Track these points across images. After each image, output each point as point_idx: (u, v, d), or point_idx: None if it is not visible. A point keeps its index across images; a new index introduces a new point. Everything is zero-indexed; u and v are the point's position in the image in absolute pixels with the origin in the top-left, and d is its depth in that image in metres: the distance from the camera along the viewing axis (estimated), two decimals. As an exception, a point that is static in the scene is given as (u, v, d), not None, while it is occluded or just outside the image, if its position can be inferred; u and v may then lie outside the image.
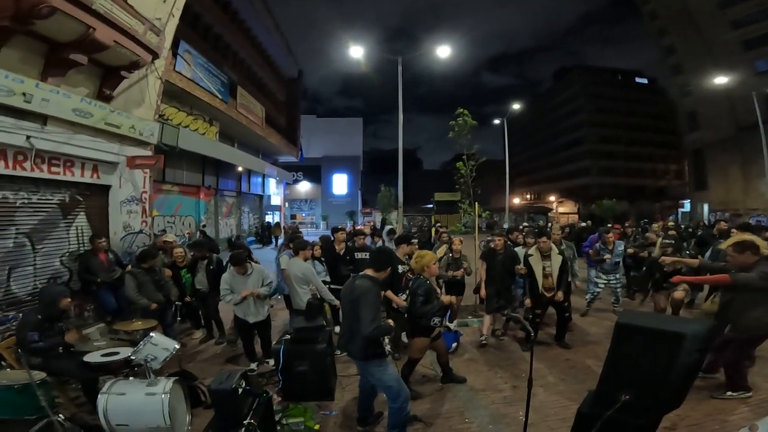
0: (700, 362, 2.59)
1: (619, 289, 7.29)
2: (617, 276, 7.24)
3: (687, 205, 44.48)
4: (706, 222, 24.04)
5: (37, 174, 5.75)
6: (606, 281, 7.20)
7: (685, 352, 2.35)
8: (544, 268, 5.63)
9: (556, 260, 5.61)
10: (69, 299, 4.26)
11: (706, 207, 38.58)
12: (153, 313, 5.12)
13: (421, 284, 4.18)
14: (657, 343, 2.42)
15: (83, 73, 6.37)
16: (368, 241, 8.79)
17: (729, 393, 4.01)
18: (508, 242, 6.83)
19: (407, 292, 5.24)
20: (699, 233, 10.22)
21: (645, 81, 60.60)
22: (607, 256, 7.07)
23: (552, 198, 58.96)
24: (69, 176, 6.28)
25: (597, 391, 2.71)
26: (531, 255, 5.76)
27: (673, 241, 5.99)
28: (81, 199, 6.64)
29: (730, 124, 34.95)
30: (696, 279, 4.66)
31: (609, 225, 15.72)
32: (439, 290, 4.62)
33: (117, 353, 3.91)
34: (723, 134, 35.83)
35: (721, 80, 25.35)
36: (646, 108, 55.65)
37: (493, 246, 6.20)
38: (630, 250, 7.83)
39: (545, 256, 5.66)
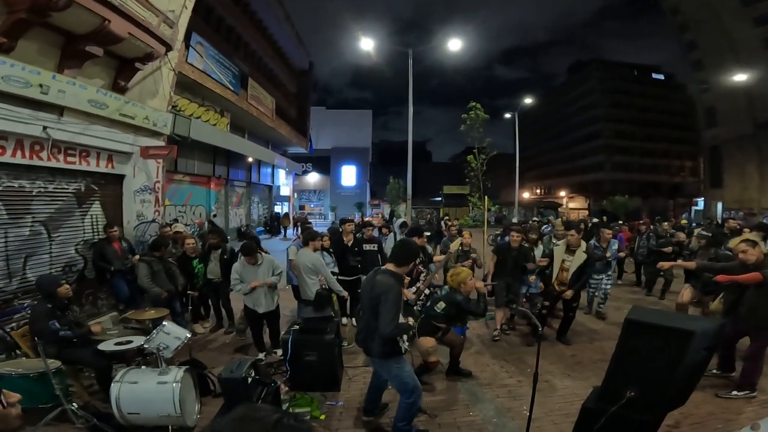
0: (706, 360, 2.58)
1: (609, 288, 7.01)
2: (609, 274, 7.01)
3: (701, 203, 43.78)
4: (719, 220, 23.69)
5: (53, 164, 5.83)
6: (597, 281, 6.87)
7: (693, 349, 2.34)
8: (563, 261, 5.62)
9: (579, 257, 5.52)
10: (66, 286, 4.23)
11: (719, 205, 37.98)
12: (162, 302, 5.21)
13: (447, 296, 4.30)
14: (665, 340, 2.41)
15: (99, 65, 6.44)
16: (376, 233, 8.85)
17: (734, 392, 4.00)
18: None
19: (417, 285, 5.29)
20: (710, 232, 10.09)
21: (662, 77, 59.51)
22: (608, 254, 6.77)
23: (562, 193, 58.41)
24: (84, 166, 6.37)
25: (603, 386, 2.71)
26: (557, 245, 5.78)
27: (710, 234, 5.94)
28: (96, 189, 6.74)
29: (749, 121, 34.28)
30: (734, 278, 4.36)
31: (621, 222, 15.59)
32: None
33: (130, 342, 4.00)
34: (741, 131, 35.17)
35: (741, 77, 24.86)
36: (663, 104, 54.66)
37: (508, 240, 6.17)
38: (622, 253, 7.66)
39: (570, 250, 5.62)
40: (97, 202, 6.77)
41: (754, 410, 3.74)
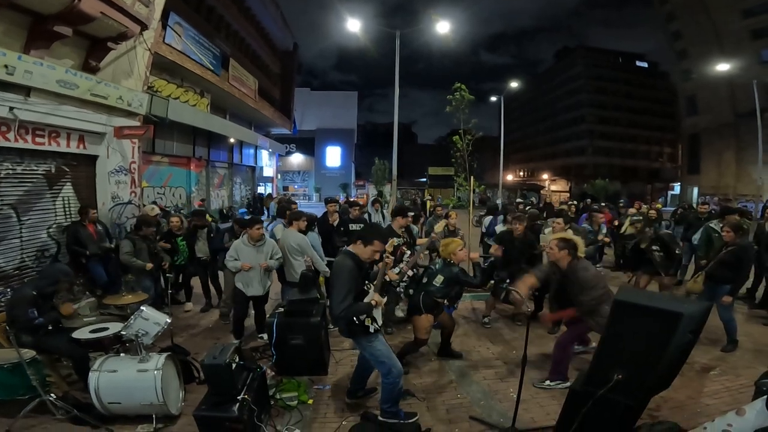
0: (692, 344, 2.59)
1: None
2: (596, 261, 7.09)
3: (677, 188, 44.79)
4: (694, 205, 24.27)
5: (21, 144, 5.59)
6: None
7: (680, 332, 2.33)
8: None
9: None
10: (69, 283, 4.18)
11: (695, 190, 38.90)
12: (141, 286, 5.11)
13: (443, 270, 4.26)
14: (653, 322, 2.38)
15: (68, 45, 6.13)
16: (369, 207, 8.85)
17: (548, 383, 3.98)
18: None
19: (400, 266, 5.21)
20: (678, 213, 10.27)
21: (645, 65, 60.10)
22: (607, 239, 6.82)
23: (545, 176, 59.04)
24: (54, 146, 6.11)
25: (591, 369, 2.70)
26: (544, 234, 5.92)
27: (641, 217, 6.05)
28: (67, 170, 6.48)
29: (729, 110, 34.86)
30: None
31: (603, 204, 15.84)
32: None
33: (106, 329, 3.85)
34: (721, 120, 35.78)
35: (724, 67, 25.12)
36: (646, 91, 55.42)
37: (511, 228, 6.05)
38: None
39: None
40: (69, 183, 6.52)
41: (731, 395, 3.79)
